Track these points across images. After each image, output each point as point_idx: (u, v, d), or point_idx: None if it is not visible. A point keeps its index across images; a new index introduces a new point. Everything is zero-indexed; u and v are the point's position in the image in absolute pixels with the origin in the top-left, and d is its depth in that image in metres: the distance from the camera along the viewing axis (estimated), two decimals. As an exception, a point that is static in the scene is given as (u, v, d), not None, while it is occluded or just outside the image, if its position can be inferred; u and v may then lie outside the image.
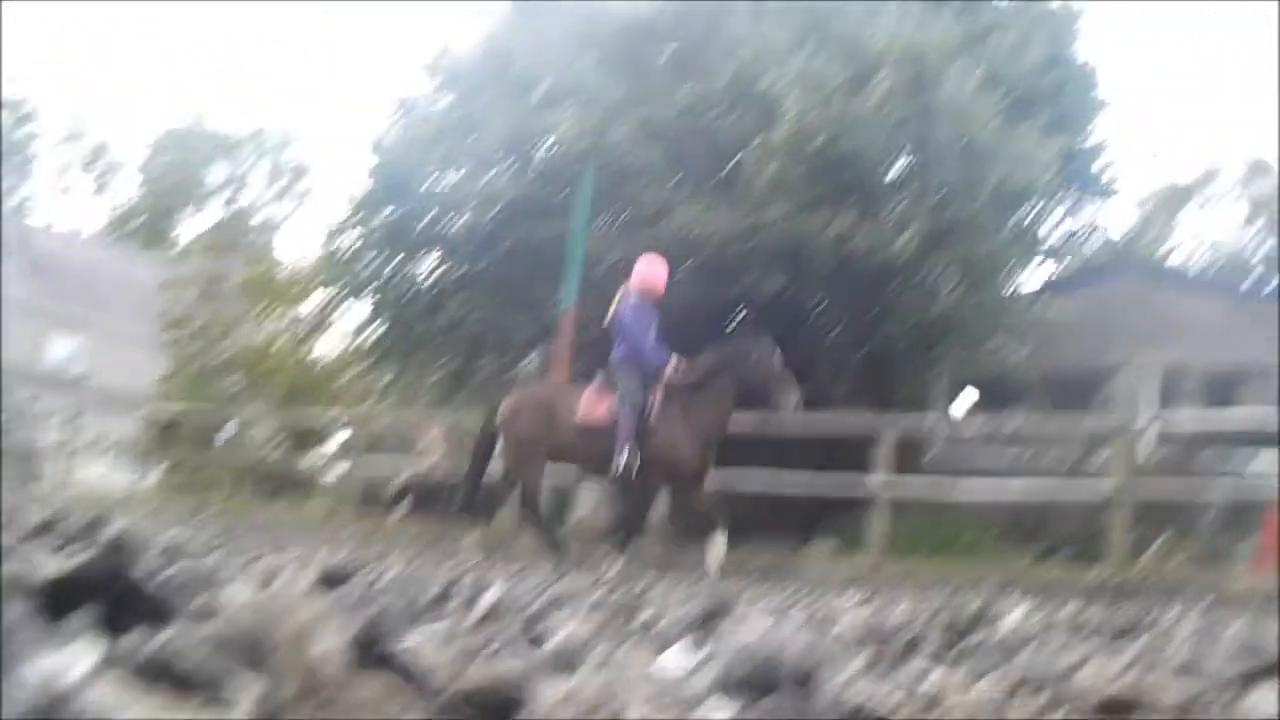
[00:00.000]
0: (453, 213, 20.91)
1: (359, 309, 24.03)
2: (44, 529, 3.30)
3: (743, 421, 14.10)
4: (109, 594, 1.66)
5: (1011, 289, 20.16)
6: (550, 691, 1.61)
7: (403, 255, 22.23)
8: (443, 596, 3.09)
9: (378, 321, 23.20)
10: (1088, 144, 22.98)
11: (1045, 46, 20.92)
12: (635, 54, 20.35)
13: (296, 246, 52.95)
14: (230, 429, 26.48)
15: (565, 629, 2.57)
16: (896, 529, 16.42)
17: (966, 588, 11.14)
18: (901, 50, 18.33)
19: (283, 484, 25.11)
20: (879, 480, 14.79)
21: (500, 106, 20.07)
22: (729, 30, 19.11)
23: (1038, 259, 22.94)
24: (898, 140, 18.51)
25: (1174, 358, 22.26)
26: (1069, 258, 25.20)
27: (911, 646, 3.13)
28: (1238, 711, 1.69)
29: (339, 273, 23.41)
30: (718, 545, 12.27)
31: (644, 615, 3.50)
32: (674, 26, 20.30)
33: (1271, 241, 43.42)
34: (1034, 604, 6.89)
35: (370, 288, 22.55)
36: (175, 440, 25.68)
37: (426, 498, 20.73)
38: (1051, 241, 23.64)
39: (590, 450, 12.43)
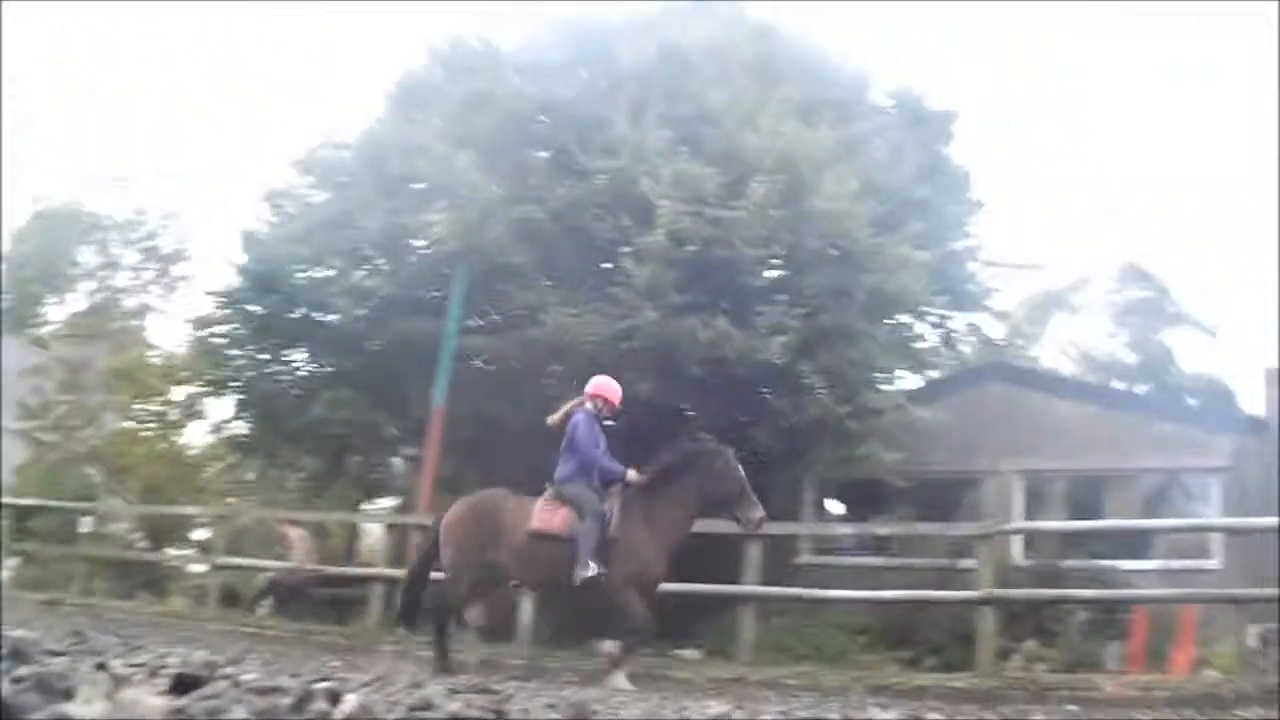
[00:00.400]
0: (323, 309, 20.66)
1: (226, 403, 23.67)
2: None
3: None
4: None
5: (883, 395, 20.23)
6: None
7: (271, 351, 21.97)
8: (298, 704, 2.96)
9: (244, 417, 22.85)
10: (961, 247, 23.28)
11: (919, 153, 21.22)
12: (512, 153, 20.35)
13: (168, 334, 52.40)
14: (89, 522, 25.88)
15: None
16: (765, 635, 16.41)
17: (834, 694, 11.12)
18: (776, 158, 18.47)
19: (142, 580, 24.62)
20: (748, 586, 14.74)
21: (374, 203, 19.95)
22: (606, 132, 19.15)
23: (910, 365, 23.11)
24: (771, 246, 18.59)
25: (1042, 463, 22.47)
26: (941, 363, 25.41)
27: None
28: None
29: (206, 366, 23.09)
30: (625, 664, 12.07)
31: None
32: (552, 127, 20.35)
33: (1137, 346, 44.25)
34: (901, 710, 6.86)
35: (237, 382, 22.22)
36: (30, 533, 25.02)
37: (289, 598, 20.45)
38: (924, 348, 23.86)
39: (542, 562, 12.06)
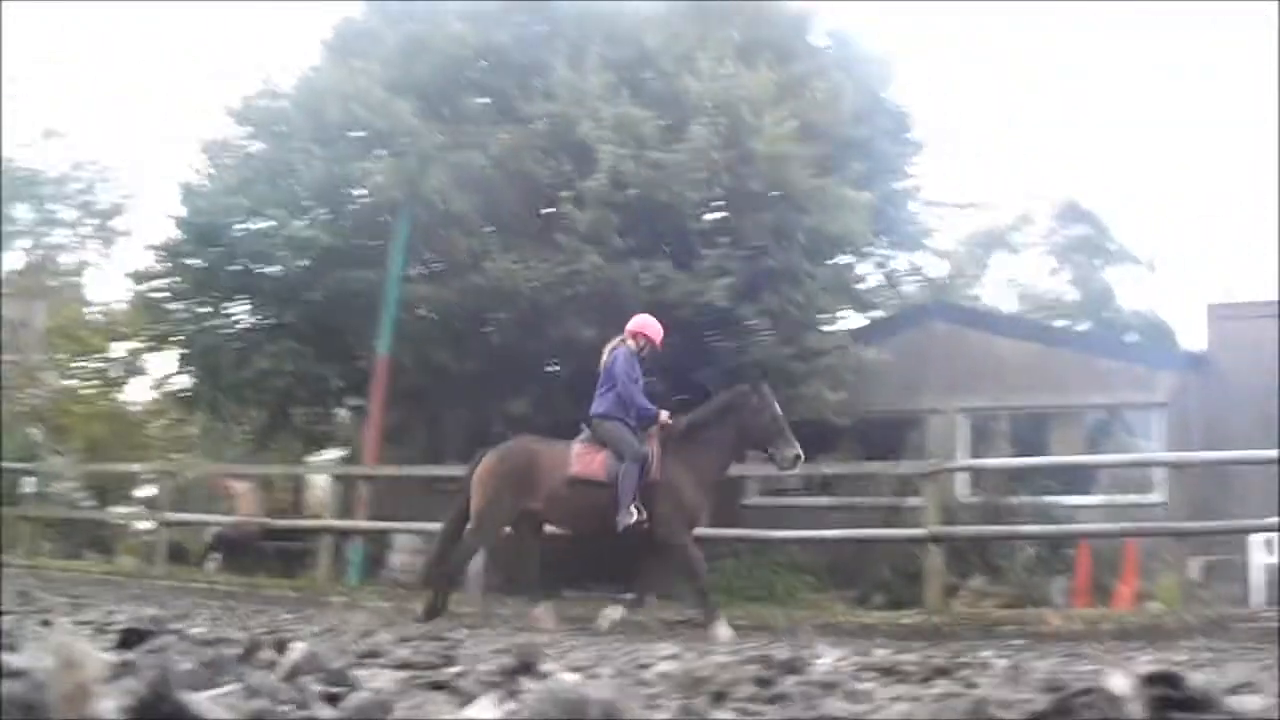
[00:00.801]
0: (264, 261, 20.46)
1: (168, 358, 23.44)
2: None
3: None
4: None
5: (826, 335, 20.25)
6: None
7: (212, 304, 21.74)
8: (246, 654, 2.94)
9: (186, 371, 22.65)
10: (902, 188, 23.30)
11: (859, 94, 21.18)
12: (451, 100, 20.21)
13: (108, 290, 51.84)
14: (32, 482, 25.63)
15: (370, 685, 2.48)
16: (713, 577, 16.41)
17: (781, 635, 11.13)
18: (716, 100, 18.41)
19: (88, 539, 24.46)
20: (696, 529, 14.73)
21: (313, 152, 19.73)
22: (546, 77, 19.04)
23: (853, 305, 23.14)
24: (712, 189, 18.53)
25: (985, 401, 22.60)
26: (884, 303, 25.48)
27: (720, 696, 3.09)
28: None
29: (146, 321, 22.86)
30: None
31: (451, 670, 3.40)
32: (491, 72, 20.20)
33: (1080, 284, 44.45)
34: (848, 649, 6.87)
35: (178, 337, 22.00)
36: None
37: (236, 552, 20.36)
38: (866, 288, 23.91)
39: (583, 507, 11.84)
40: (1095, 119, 73.26)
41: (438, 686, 2.80)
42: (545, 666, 3.19)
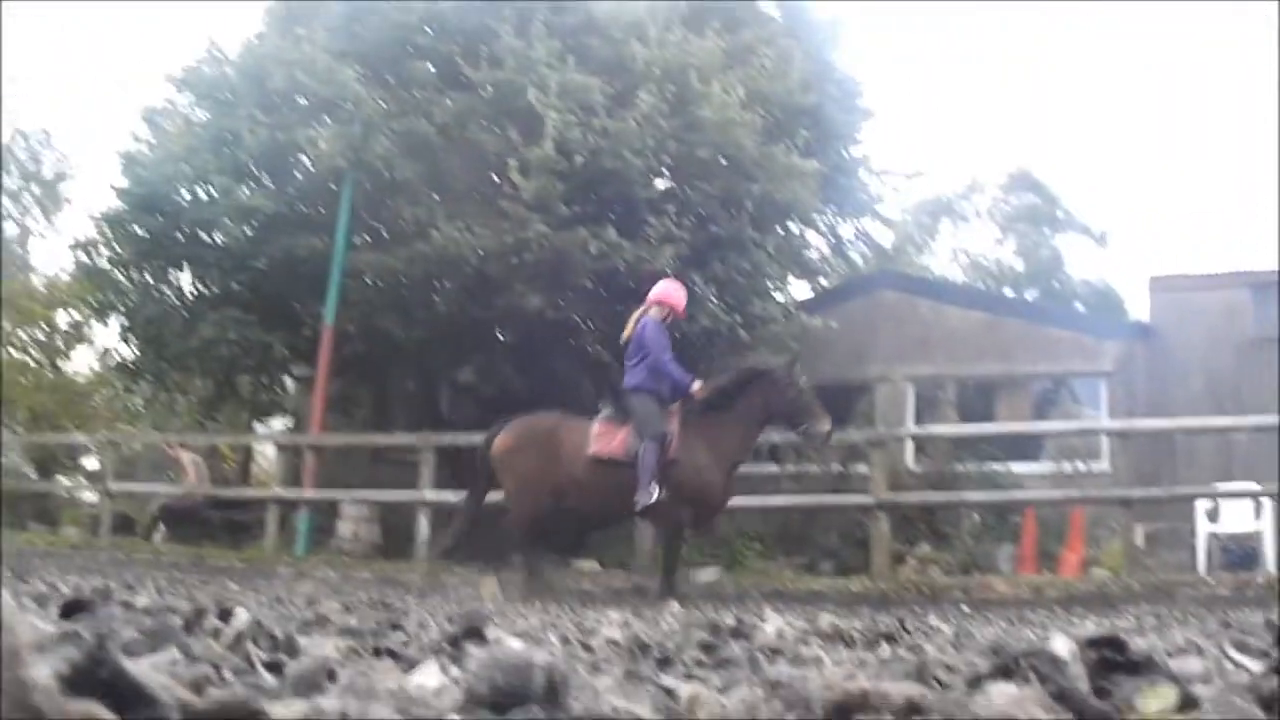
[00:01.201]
0: (208, 229, 20.30)
1: (112, 327, 23.24)
2: None
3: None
4: None
5: (773, 304, 20.26)
6: (287, 713, 1.48)
7: (156, 273, 21.53)
8: (190, 622, 2.89)
9: (130, 341, 22.46)
10: (851, 156, 23.33)
11: (807, 61, 21.16)
12: (396, 67, 20.07)
13: (51, 259, 51.45)
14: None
15: (313, 652, 2.46)
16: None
17: (730, 600, 11.17)
18: (663, 68, 18.36)
19: (32, 511, 24.27)
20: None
21: (257, 120, 19.57)
22: (492, 43, 18.90)
23: (800, 274, 23.17)
24: (659, 157, 18.49)
25: (932, 369, 22.71)
26: (832, 272, 25.53)
27: (667, 660, 3.09)
28: (963, 708, 1.63)
29: (90, 290, 22.65)
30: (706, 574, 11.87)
31: (397, 637, 3.38)
32: (436, 39, 20.05)
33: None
34: (794, 615, 6.89)
35: (122, 307, 21.81)
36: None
37: (182, 522, 20.26)
38: (814, 256, 23.94)
39: (603, 487, 11.54)
40: (1045, 88, 73.68)
41: (383, 653, 2.77)
42: (491, 633, 3.17)
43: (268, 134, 19.41)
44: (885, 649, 3.79)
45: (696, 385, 11.69)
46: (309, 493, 18.08)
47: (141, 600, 4.64)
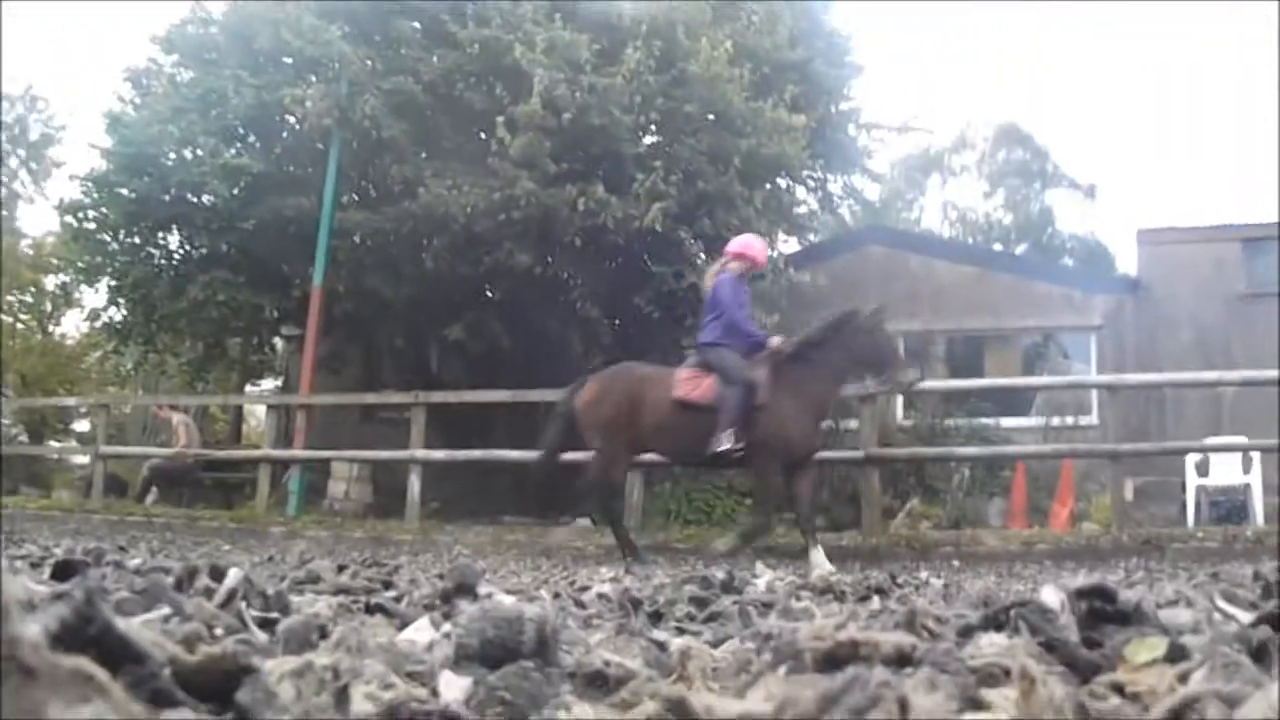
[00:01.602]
0: (196, 190, 20.23)
1: (101, 291, 23.17)
2: None
3: (492, 398, 13.97)
4: None
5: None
6: (277, 668, 1.48)
7: (144, 234, 21.50)
8: (181, 582, 2.90)
9: (119, 303, 22.41)
10: (839, 111, 23.28)
11: (795, 16, 21.12)
12: (382, 25, 19.99)
13: (39, 223, 51.25)
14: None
15: (305, 609, 2.47)
16: (652, 500, 16.49)
17: (722, 556, 11.19)
18: (650, 23, 18.30)
19: (24, 474, 24.28)
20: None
21: (243, 80, 19.50)
22: (478, 2, 18.83)
23: (789, 229, 23.13)
24: (647, 113, 18.45)
25: (922, 324, 22.71)
26: (821, 227, 25.49)
27: (658, 615, 3.13)
28: (952, 658, 1.63)
29: (78, 253, 22.58)
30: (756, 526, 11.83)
31: (389, 594, 3.39)
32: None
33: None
34: (785, 570, 6.91)
35: (110, 269, 21.76)
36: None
37: (174, 484, 20.27)
38: (803, 211, 23.90)
39: (685, 431, 11.31)
40: (1034, 42, 73.53)
41: (375, 610, 2.78)
42: (483, 589, 3.17)
43: (254, 94, 19.35)
44: (876, 602, 3.80)
45: (774, 341, 11.53)
46: (300, 453, 18.07)
47: (134, 561, 4.66)
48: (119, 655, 1.47)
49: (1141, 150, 74.66)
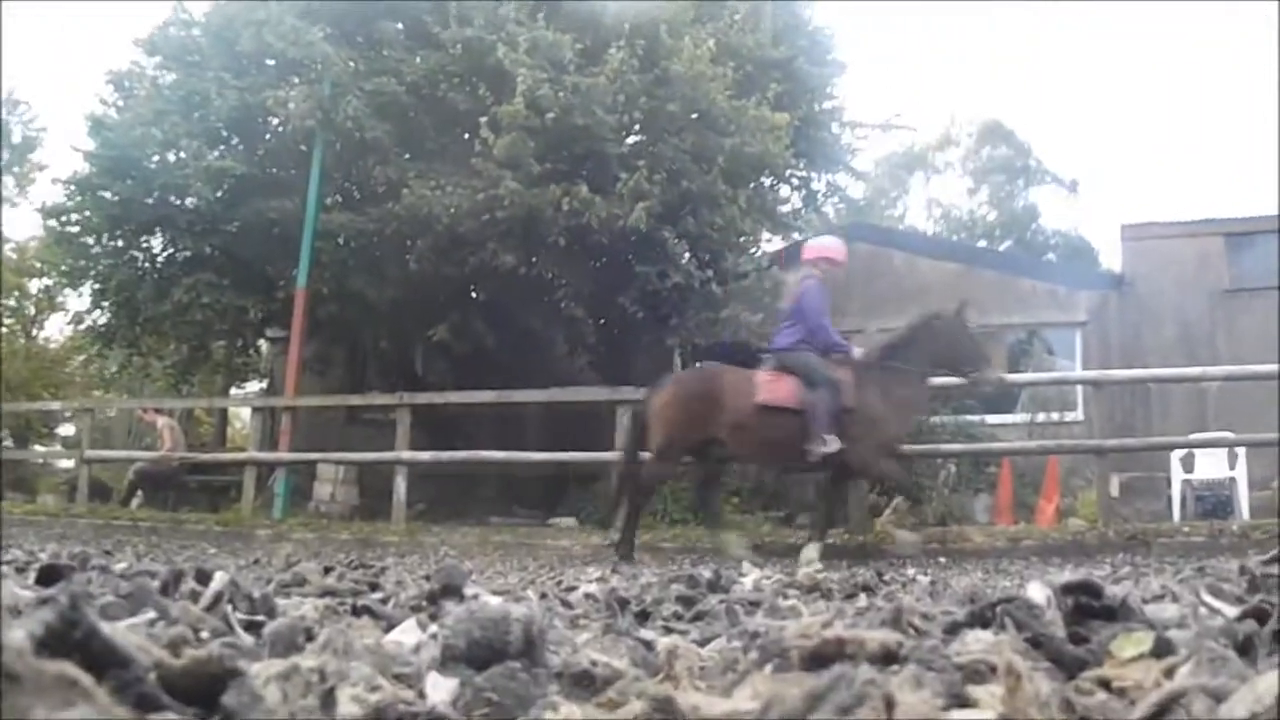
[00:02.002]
0: (180, 193, 20.19)
1: (85, 294, 23.11)
2: None
3: (478, 399, 13.96)
4: None
5: (746, 257, 20.27)
6: (263, 671, 1.48)
7: (128, 238, 21.44)
8: (167, 586, 2.90)
9: (103, 307, 22.36)
10: (823, 109, 23.29)
11: (778, 14, 21.15)
12: (365, 26, 19.98)
13: (21, 227, 50.97)
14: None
15: (291, 612, 2.47)
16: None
17: (709, 555, 11.20)
18: (633, 23, 18.29)
19: (9, 479, 24.20)
20: (617, 454, 14.68)
21: (226, 82, 19.47)
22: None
23: (773, 228, 23.13)
24: (630, 113, 18.44)
25: (907, 320, 22.73)
26: (805, 225, 25.50)
27: (645, 615, 3.13)
28: (939, 655, 1.63)
29: (61, 257, 22.53)
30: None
31: (376, 596, 3.39)
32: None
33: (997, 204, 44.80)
34: (772, 568, 6.91)
35: (94, 272, 21.72)
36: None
37: (159, 487, 20.23)
38: (787, 210, 23.90)
39: (771, 436, 11.15)
40: (1018, 38, 73.66)
41: (361, 612, 2.78)
42: (469, 590, 3.17)
43: (237, 96, 19.32)
44: (862, 599, 3.81)
45: (856, 352, 11.51)
46: (285, 455, 18.04)
47: (119, 565, 4.65)
48: (104, 660, 1.47)
49: (1125, 145, 74.85)
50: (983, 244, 40.32)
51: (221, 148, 20.30)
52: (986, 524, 16.19)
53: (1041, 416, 20.31)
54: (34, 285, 34.06)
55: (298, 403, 18.81)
